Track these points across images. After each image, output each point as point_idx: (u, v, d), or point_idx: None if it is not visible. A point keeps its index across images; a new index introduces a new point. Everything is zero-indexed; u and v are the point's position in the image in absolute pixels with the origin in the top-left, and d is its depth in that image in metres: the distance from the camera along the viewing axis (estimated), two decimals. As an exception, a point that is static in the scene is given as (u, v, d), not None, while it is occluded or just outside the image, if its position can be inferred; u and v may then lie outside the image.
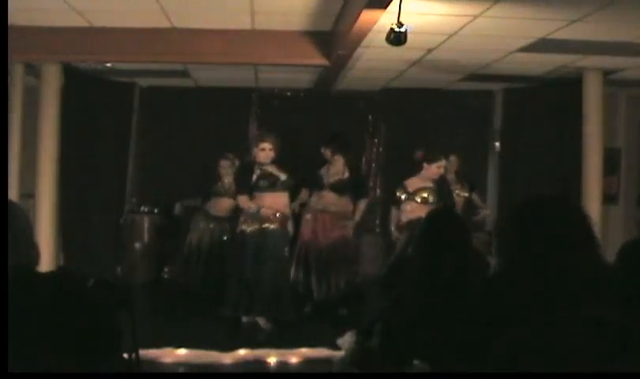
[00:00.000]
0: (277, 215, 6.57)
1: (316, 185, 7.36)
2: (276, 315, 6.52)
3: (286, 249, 6.82)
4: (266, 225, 6.54)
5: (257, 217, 6.52)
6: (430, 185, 6.82)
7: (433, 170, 6.81)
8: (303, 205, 7.46)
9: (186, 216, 8.43)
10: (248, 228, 6.55)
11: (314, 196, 7.38)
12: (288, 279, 6.86)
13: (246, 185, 6.63)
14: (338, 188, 7.33)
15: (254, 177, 6.57)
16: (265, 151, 6.55)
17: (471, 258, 3.54)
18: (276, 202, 6.58)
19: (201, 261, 7.99)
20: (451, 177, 7.94)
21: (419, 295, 3.37)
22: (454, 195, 7.60)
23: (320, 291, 7.30)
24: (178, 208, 8.49)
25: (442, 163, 6.87)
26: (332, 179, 7.34)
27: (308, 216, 7.33)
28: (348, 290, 7.40)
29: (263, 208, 6.51)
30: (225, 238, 7.89)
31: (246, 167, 6.82)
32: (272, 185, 6.58)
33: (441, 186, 6.86)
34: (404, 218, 6.80)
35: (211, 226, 8.00)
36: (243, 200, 6.63)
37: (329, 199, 7.32)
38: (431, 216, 3.81)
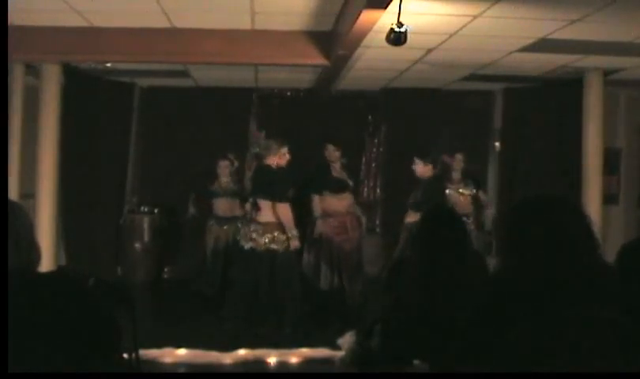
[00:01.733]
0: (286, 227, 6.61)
1: (334, 186, 7.47)
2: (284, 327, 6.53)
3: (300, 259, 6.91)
4: (283, 243, 6.54)
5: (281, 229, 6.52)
6: (419, 187, 6.95)
7: (418, 169, 6.97)
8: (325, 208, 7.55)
9: (199, 215, 8.43)
10: (259, 243, 6.53)
11: (329, 198, 7.45)
12: (298, 294, 6.83)
13: (283, 191, 6.58)
14: (352, 189, 7.65)
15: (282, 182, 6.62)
16: (286, 156, 6.67)
17: (469, 257, 3.54)
18: (289, 213, 6.59)
19: (216, 264, 8.00)
20: (456, 175, 7.95)
21: (418, 295, 3.37)
22: (457, 194, 7.67)
23: (355, 291, 7.43)
24: (192, 210, 8.48)
25: (416, 162, 6.99)
26: (351, 181, 7.61)
27: (334, 219, 7.42)
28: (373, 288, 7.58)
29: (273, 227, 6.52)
30: (238, 238, 7.91)
31: (275, 172, 6.69)
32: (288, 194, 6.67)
33: (426, 187, 6.93)
34: (407, 220, 6.87)
35: (223, 228, 8.02)
36: (286, 212, 6.53)
37: (349, 200, 7.51)
38: (427, 215, 3.81)
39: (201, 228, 8.30)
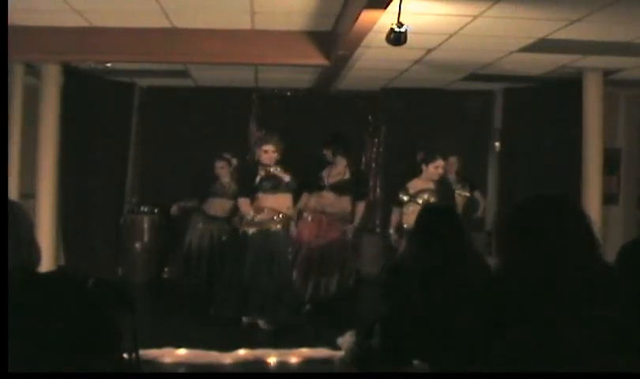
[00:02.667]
0: (280, 216, 6.59)
1: (316, 186, 7.36)
2: (276, 317, 6.52)
3: (289, 250, 6.89)
4: (268, 227, 6.55)
5: (258, 222, 6.54)
6: (431, 186, 6.80)
7: (431, 170, 6.79)
8: (303, 207, 7.46)
9: (182, 217, 8.42)
10: (250, 230, 6.56)
11: (313, 196, 7.37)
12: (289, 281, 6.85)
13: (248, 186, 6.62)
14: (338, 188, 7.31)
15: (258, 178, 6.58)
16: (268, 153, 6.57)
17: (468, 256, 3.53)
18: (279, 203, 6.59)
19: (201, 262, 7.98)
20: (452, 177, 7.93)
21: (417, 294, 3.37)
22: (456, 195, 7.60)
23: (316, 292, 7.31)
24: (174, 209, 8.47)
25: (440, 163, 6.83)
26: (333, 180, 7.33)
27: (307, 217, 7.33)
28: (342, 291, 7.42)
29: (264, 212, 6.51)
30: (224, 238, 7.89)
31: (248, 168, 6.82)
32: (276, 186, 6.60)
33: (441, 187, 6.84)
34: (406, 221, 6.78)
35: (210, 226, 7.99)
36: (244, 204, 6.62)
37: (328, 199, 7.30)
38: (423, 212, 3.80)
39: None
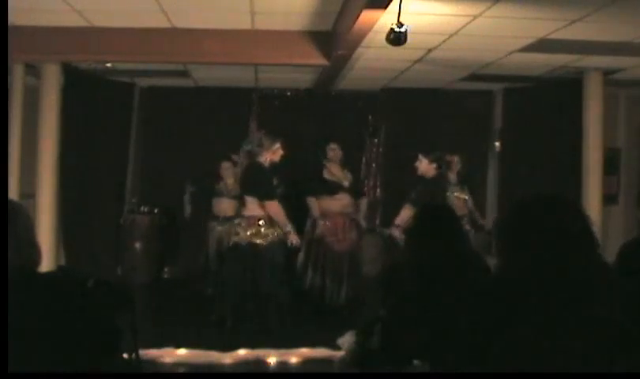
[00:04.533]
0: (275, 226, 6.58)
1: (331, 189, 7.42)
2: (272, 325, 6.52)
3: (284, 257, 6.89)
4: (266, 236, 6.52)
5: (256, 234, 6.52)
6: (422, 184, 6.93)
7: (422, 166, 6.96)
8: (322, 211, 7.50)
9: (196, 214, 8.45)
10: (246, 240, 6.52)
11: (327, 200, 7.41)
12: (287, 291, 6.82)
13: (267, 187, 6.55)
14: (352, 189, 7.55)
15: (274, 182, 6.62)
16: (279, 152, 6.60)
17: (468, 255, 3.53)
18: (275, 210, 6.56)
19: (219, 265, 8.02)
20: (453, 177, 7.93)
21: (416, 294, 3.37)
22: (454, 197, 7.62)
23: (353, 292, 7.38)
24: (188, 209, 8.49)
25: (425, 161, 6.99)
26: (346, 182, 7.48)
27: (327, 221, 7.39)
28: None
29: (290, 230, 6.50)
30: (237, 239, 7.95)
31: (264, 170, 6.62)
32: (277, 191, 6.65)
33: (432, 185, 6.91)
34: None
35: (226, 227, 8.02)
36: (274, 208, 6.47)
37: (345, 201, 7.44)
38: (420, 212, 3.80)
39: (200, 228, 8.30)
